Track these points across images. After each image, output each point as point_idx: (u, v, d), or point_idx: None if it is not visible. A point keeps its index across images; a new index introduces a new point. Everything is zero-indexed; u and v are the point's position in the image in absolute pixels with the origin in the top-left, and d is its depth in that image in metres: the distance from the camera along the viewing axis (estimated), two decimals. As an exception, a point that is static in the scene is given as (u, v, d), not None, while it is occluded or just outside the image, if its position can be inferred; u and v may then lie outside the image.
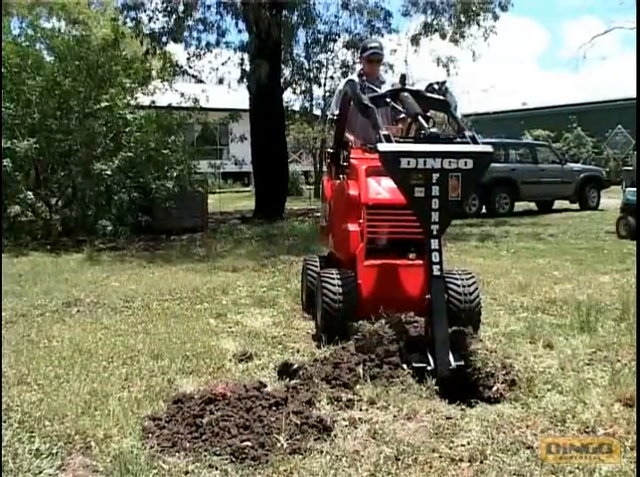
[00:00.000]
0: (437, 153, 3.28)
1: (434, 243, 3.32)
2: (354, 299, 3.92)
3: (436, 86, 3.99)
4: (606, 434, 2.63)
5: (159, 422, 2.73)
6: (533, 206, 16.36)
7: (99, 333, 4.43)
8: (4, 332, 4.41)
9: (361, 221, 4.10)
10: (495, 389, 3.01)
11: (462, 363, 3.18)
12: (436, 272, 3.30)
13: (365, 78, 4.84)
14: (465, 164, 3.27)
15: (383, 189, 4.12)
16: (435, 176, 3.26)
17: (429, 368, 3.15)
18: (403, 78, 4.15)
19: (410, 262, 4.03)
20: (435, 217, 3.31)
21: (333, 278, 3.99)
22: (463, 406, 2.95)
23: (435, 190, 3.27)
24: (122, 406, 2.94)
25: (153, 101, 12.80)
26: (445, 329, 3.24)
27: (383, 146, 3.34)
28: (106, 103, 10.22)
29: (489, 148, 3.45)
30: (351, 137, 4.77)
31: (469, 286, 3.99)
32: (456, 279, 4.02)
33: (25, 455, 2.49)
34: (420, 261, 3.91)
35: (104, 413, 2.86)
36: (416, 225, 4.06)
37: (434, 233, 3.32)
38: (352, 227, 4.14)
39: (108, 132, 10.51)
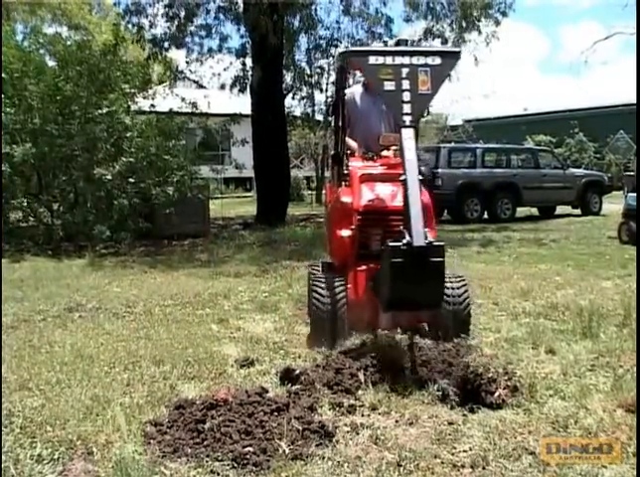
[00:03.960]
0: (405, 52, 3.56)
1: (407, 133, 3.43)
2: (342, 303, 3.92)
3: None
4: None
5: (161, 428, 2.73)
6: (535, 211, 16.35)
7: (101, 338, 4.43)
8: (6, 337, 4.42)
9: (353, 227, 4.11)
10: (497, 394, 3.00)
11: (443, 243, 3.21)
12: (409, 156, 3.38)
13: (365, 84, 4.88)
14: (433, 60, 3.53)
15: (375, 196, 4.13)
16: (405, 71, 3.49)
17: (405, 241, 3.14)
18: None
19: None
20: (407, 108, 3.46)
21: (322, 283, 4.00)
22: (465, 412, 2.94)
23: (405, 84, 3.48)
24: (124, 412, 2.94)
25: (153, 106, 12.81)
26: (419, 203, 3.27)
27: (353, 48, 3.57)
28: (107, 108, 10.23)
29: (458, 49, 3.68)
30: (352, 144, 4.77)
31: (458, 289, 3.99)
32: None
33: (26, 461, 2.48)
34: None
35: (106, 419, 2.86)
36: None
37: (407, 123, 3.45)
38: (344, 232, 4.15)
39: (109, 137, 10.50)
